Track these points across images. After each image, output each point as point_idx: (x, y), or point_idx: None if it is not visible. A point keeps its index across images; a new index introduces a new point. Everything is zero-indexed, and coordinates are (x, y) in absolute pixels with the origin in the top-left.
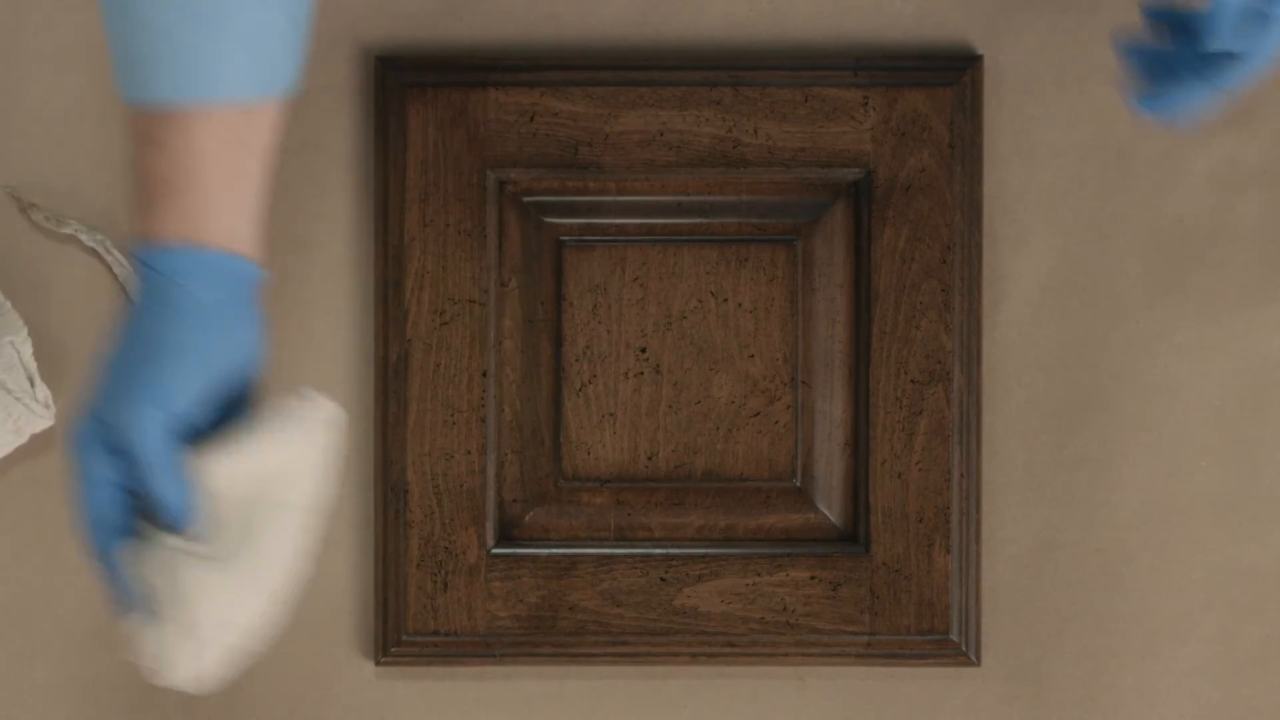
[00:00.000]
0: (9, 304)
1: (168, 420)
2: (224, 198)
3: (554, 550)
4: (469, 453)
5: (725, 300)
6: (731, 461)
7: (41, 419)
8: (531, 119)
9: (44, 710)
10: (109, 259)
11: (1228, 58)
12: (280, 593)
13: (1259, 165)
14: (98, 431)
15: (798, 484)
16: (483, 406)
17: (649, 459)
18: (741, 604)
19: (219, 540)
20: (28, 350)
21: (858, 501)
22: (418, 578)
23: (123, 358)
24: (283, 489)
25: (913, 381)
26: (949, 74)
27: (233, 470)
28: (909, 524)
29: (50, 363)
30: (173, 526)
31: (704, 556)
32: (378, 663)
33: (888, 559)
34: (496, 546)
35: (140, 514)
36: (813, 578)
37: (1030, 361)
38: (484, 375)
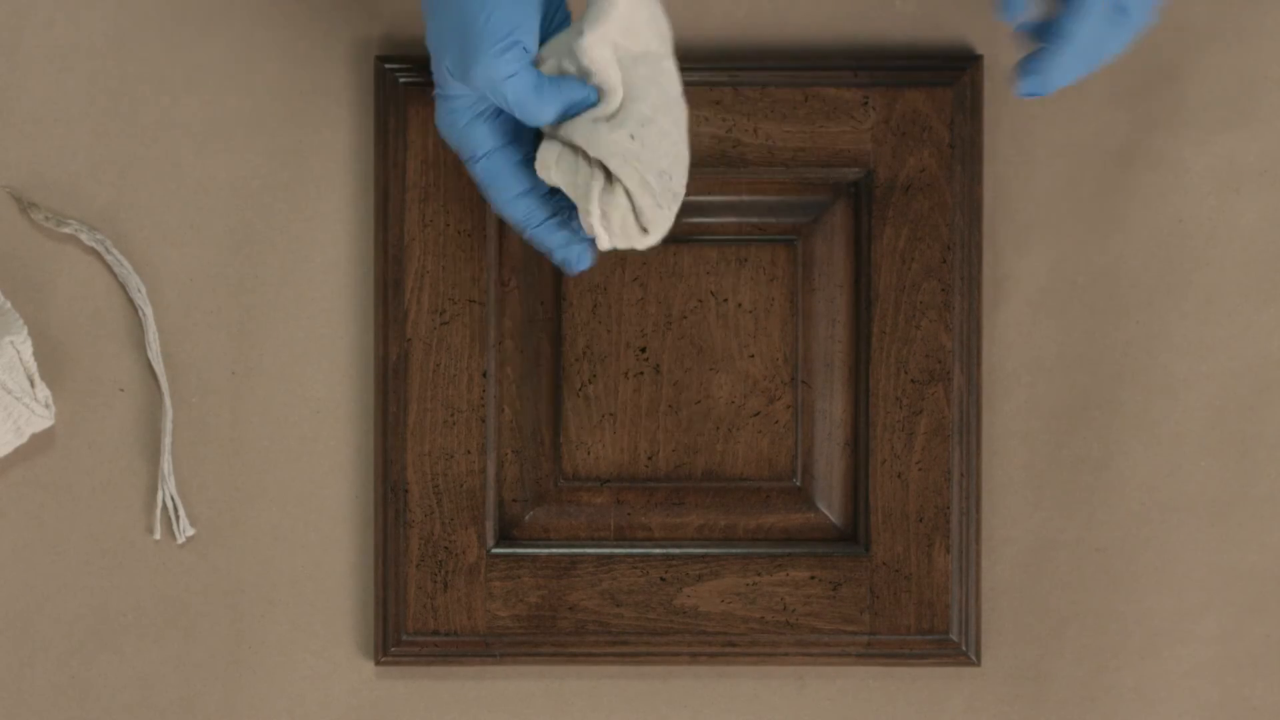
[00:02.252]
0: (9, 304)
1: (525, 61)
2: None
3: (554, 550)
4: (469, 453)
5: (725, 300)
6: (731, 461)
7: (41, 419)
8: None
9: (44, 710)
10: (109, 259)
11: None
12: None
13: (1259, 165)
14: (465, 109)
15: (798, 484)
16: (483, 406)
17: (649, 459)
18: (741, 604)
19: (622, 105)
20: (28, 350)
21: (858, 501)
22: (418, 578)
23: (448, 31)
24: (645, 39)
25: (913, 381)
26: (949, 74)
27: (600, 39)
28: (909, 524)
29: (50, 363)
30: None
31: (704, 556)
32: (378, 663)
33: (888, 559)
34: (496, 546)
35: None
36: (813, 578)
37: (1030, 361)
38: (484, 375)
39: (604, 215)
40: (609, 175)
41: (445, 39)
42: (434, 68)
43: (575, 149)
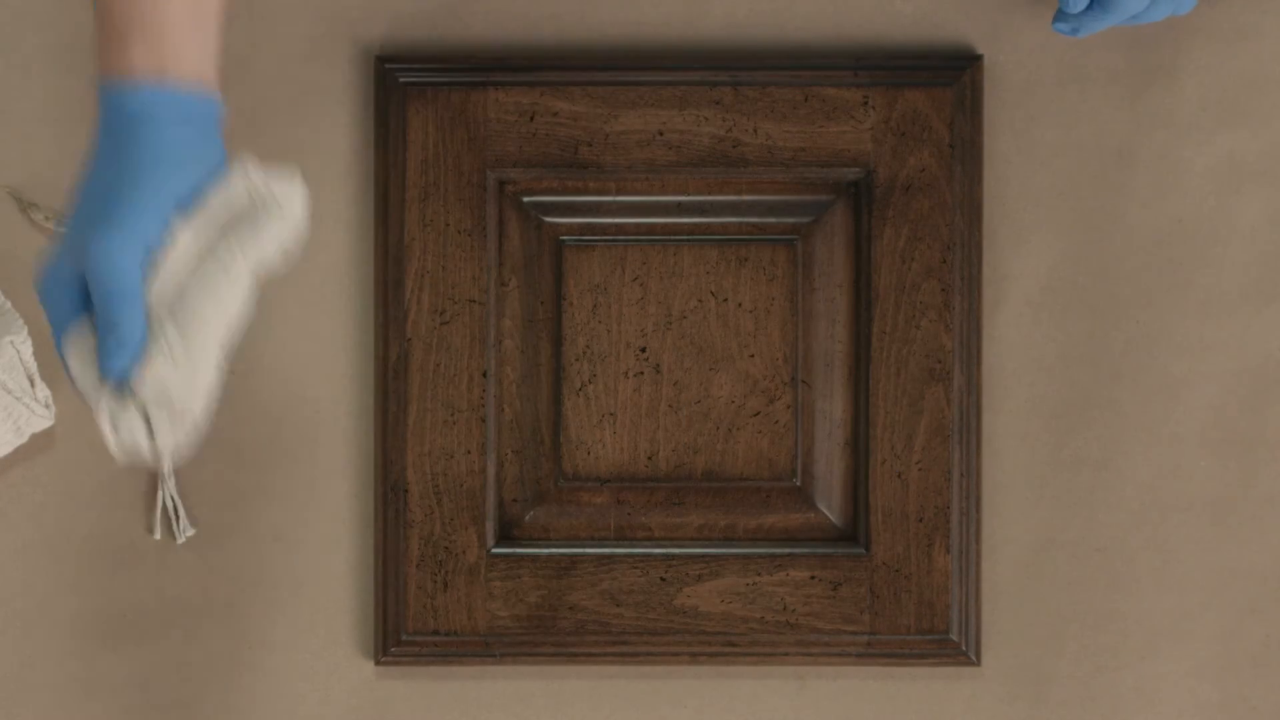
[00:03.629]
0: (9, 304)
1: (138, 253)
2: (188, 31)
3: (554, 550)
4: (469, 453)
5: (725, 300)
6: (731, 461)
7: (41, 419)
8: (531, 119)
9: (44, 710)
10: None
11: None
12: (220, 360)
13: (1259, 165)
14: (65, 264)
15: (798, 484)
16: (483, 406)
17: (649, 459)
18: (741, 604)
19: (162, 339)
20: (28, 350)
21: (858, 501)
22: (418, 578)
23: (91, 196)
24: (225, 256)
25: (913, 381)
26: (949, 74)
27: (179, 250)
28: (909, 524)
29: (50, 363)
30: (119, 347)
31: (704, 556)
32: (378, 663)
33: (888, 559)
34: (496, 546)
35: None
36: (813, 577)
37: (1030, 361)
38: (484, 375)
39: (114, 428)
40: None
41: (93, 194)
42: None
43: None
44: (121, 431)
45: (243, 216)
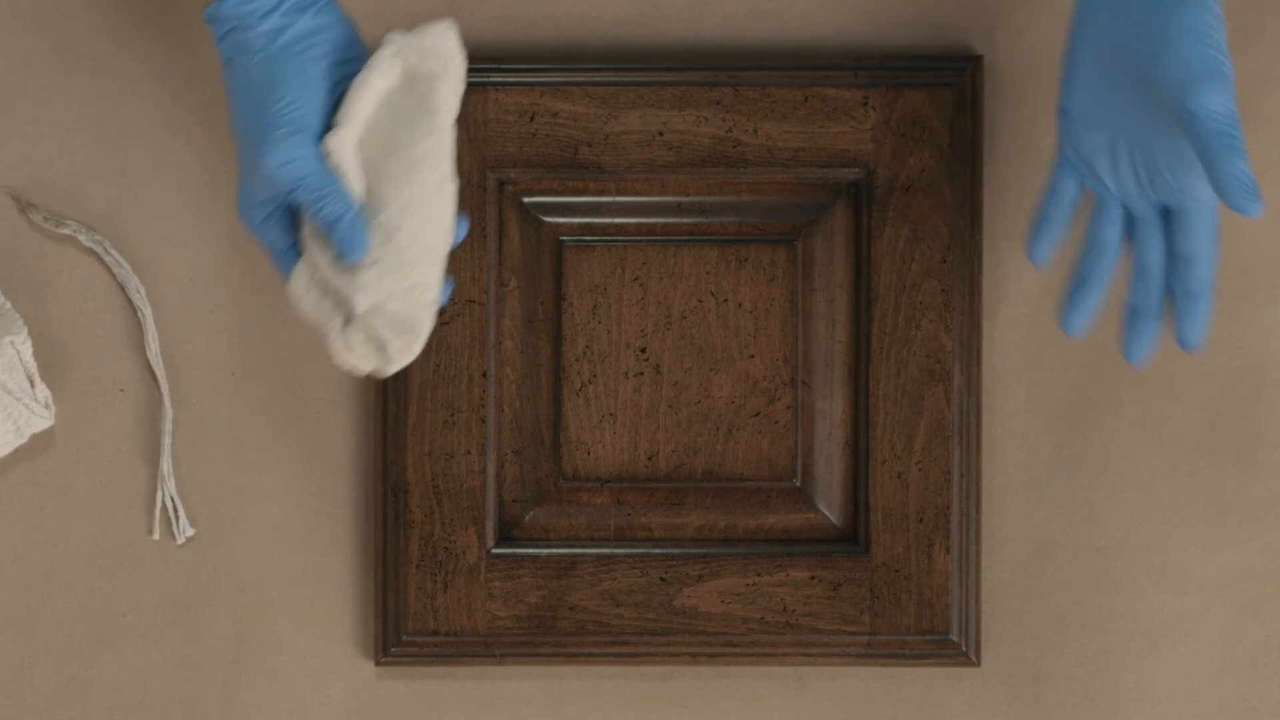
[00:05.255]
0: (9, 304)
1: (310, 144)
2: None
3: (554, 550)
4: (469, 453)
5: (725, 300)
6: (731, 461)
7: (41, 419)
8: (531, 119)
9: (44, 710)
10: (109, 259)
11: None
12: (442, 264)
13: (1259, 165)
14: (258, 196)
15: (798, 484)
16: (483, 406)
17: (649, 459)
18: (741, 604)
19: (373, 254)
20: (28, 350)
21: (858, 501)
22: (418, 578)
23: (244, 119)
24: (400, 125)
25: (913, 381)
26: (949, 74)
27: (350, 136)
28: (909, 524)
29: (50, 363)
30: (351, 237)
31: (704, 556)
32: (378, 663)
33: (888, 559)
34: (496, 546)
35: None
36: (813, 578)
37: (1030, 361)
38: (484, 375)
39: (348, 348)
40: (351, 309)
41: (242, 124)
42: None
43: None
44: (355, 353)
45: (406, 91)
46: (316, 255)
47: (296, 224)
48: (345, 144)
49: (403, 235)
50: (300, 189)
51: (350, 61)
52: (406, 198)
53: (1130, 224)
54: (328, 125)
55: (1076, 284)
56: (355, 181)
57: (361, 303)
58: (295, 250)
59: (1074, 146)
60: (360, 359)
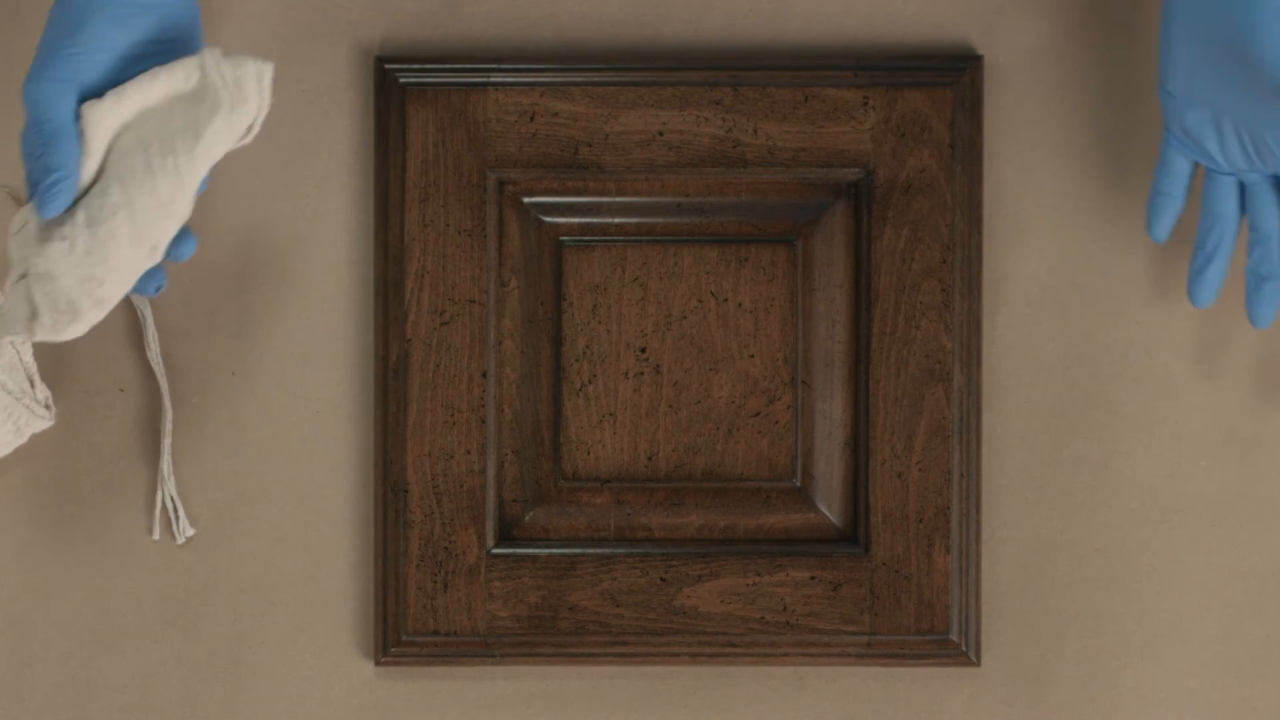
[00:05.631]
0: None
1: (70, 94)
2: None
3: (554, 550)
4: (469, 453)
5: (725, 300)
6: (731, 461)
7: (41, 419)
8: (531, 119)
9: (44, 710)
10: None
11: None
12: (154, 239)
13: None
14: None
15: (798, 484)
16: (483, 406)
17: (649, 459)
18: (741, 604)
19: (86, 196)
20: (28, 350)
21: (858, 501)
22: (418, 578)
23: (39, 50)
24: (157, 149)
25: (913, 381)
26: (949, 74)
27: (112, 112)
28: (909, 524)
29: (50, 363)
30: (54, 188)
31: (704, 556)
32: (378, 663)
33: (888, 559)
34: (496, 546)
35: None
36: (813, 578)
37: (1030, 361)
38: (484, 375)
39: (5, 298)
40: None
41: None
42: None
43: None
44: (9, 304)
45: (191, 104)
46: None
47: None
48: (102, 117)
49: (104, 230)
50: (34, 131)
51: (168, 52)
52: (128, 199)
53: (1244, 192)
54: (100, 93)
55: (1203, 258)
56: (93, 156)
57: (36, 264)
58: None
59: (1180, 125)
60: (12, 313)
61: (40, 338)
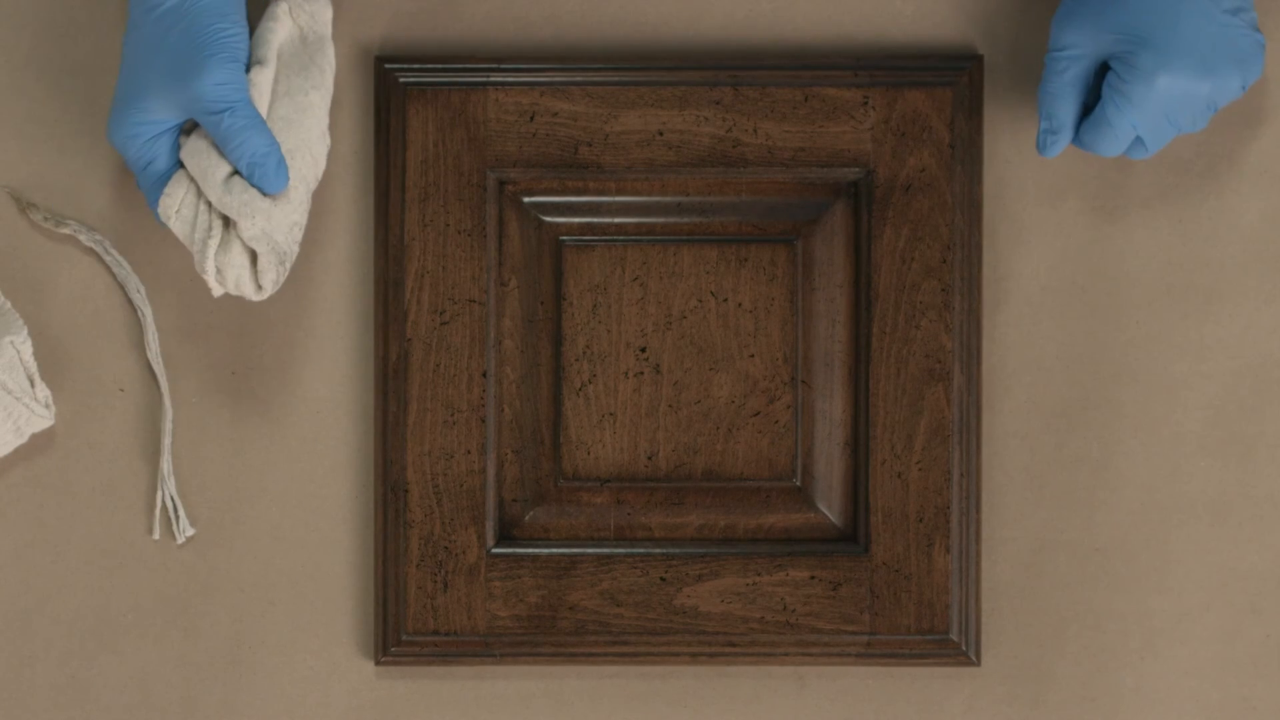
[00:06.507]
0: (9, 304)
1: (240, 73)
2: None
3: (554, 550)
4: (469, 453)
5: (725, 300)
6: (731, 461)
7: (41, 419)
8: (531, 119)
9: (44, 710)
10: (108, 259)
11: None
12: (318, 170)
13: (1259, 165)
14: (154, 117)
15: (798, 484)
16: (483, 406)
17: (649, 459)
18: (741, 604)
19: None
20: (28, 350)
21: (858, 501)
22: (418, 578)
23: (177, 41)
24: (292, 72)
25: (913, 381)
26: (949, 74)
27: (266, 75)
28: (909, 524)
29: (50, 363)
30: (277, 175)
31: (704, 556)
32: (378, 663)
33: (888, 559)
34: (496, 546)
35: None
36: (813, 578)
37: (1030, 361)
38: (484, 375)
39: (219, 272)
40: (227, 227)
41: (170, 47)
42: (126, 82)
43: (201, 194)
44: (228, 274)
45: (299, 44)
46: (207, 171)
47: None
48: (266, 79)
49: (291, 175)
50: (230, 113)
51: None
52: (296, 141)
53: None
54: (246, 57)
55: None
56: (263, 115)
57: (249, 228)
58: (173, 171)
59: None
60: (233, 280)
61: (267, 294)
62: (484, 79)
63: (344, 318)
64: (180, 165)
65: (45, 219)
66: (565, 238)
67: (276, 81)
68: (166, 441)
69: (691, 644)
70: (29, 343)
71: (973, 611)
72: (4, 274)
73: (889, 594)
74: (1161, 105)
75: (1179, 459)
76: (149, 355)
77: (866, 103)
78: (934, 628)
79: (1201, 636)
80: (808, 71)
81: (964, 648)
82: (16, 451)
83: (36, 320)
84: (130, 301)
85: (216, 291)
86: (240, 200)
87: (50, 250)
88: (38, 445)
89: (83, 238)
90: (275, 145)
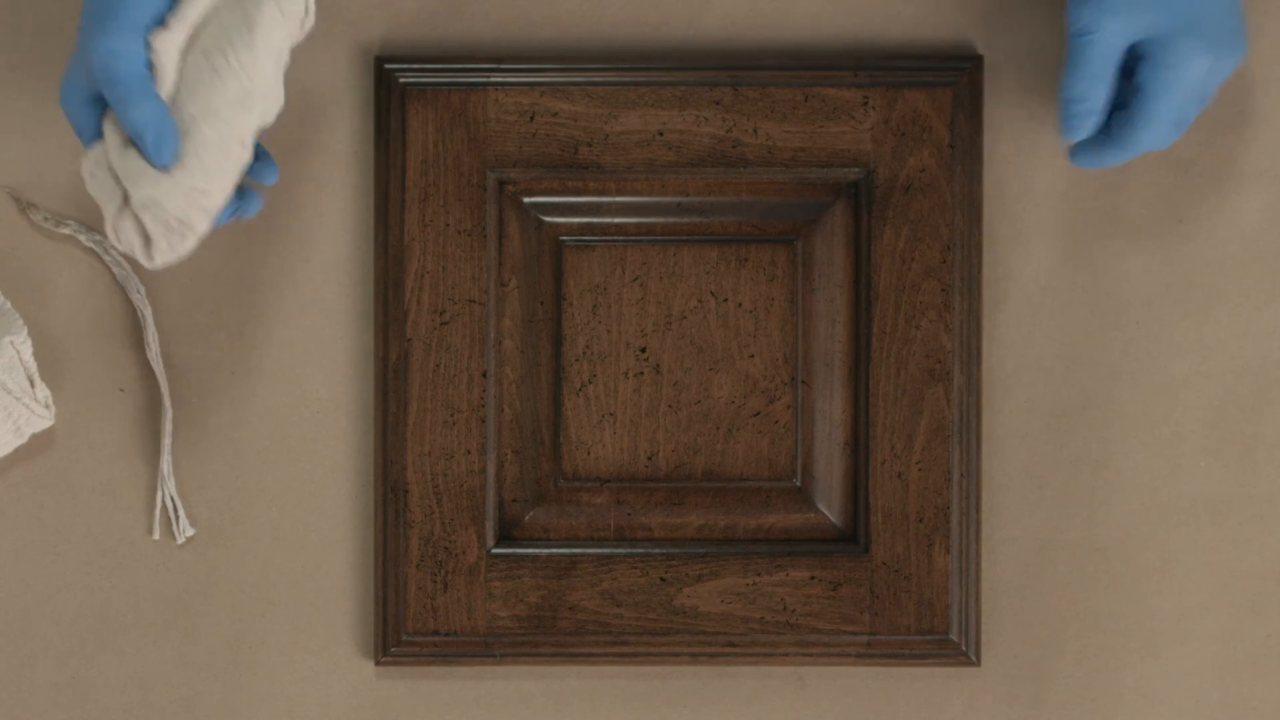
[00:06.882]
0: (9, 304)
1: (137, 42)
2: None
3: (554, 550)
4: (469, 453)
5: (725, 300)
6: (731, 461)
7: (41, 419)
8: (531, 119)
9: (44, 710)
10: (108, 259)
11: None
12: (239, 135)
13: (1259, 165)
14: (79, 76)
15: (798, 484)
16: (483, 406)
17: (649, 459)
18: (741, 604)
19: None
20: (28, 350)
21: (858, 501)
22: (418, 578)
23: (90, 4)
24: (217, 57)
25: (913, 381)
26: (949, 74)
27: (175, 35)
28: (909, 524)
29: (50, 363)
30: (156, 148)
31: (704, 556)
32: (378, 663)
33: (888, 559)
34: (496, 546)
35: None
36: (813, 578)
37: (1030, 361)
38: (484, 375)
39: (116, 233)
40: (128, 196)
41: (86, 10)
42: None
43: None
44: (123, 239)
45: (234, 9)
46: (110, 136)
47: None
48: (170, 44)
49: (193, 140)
50: (113, 84)
51: None
52: (204, 104)
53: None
54: (159, 21)
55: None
56: (166, 81)
57: (136, 194)
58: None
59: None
60: (126, 245)
61: (158, 263)
62: (484, 79)
63: (344, 318)
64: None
65: (45, 219)
66: (565, 238)
67: (200, 42)
68: (166, 441)
69: (691, 644)
70: (29, 343)
71: (973, 611)
72: (4, 274)
73: (889, 594)
74: (1196, 87)
75: (1179, 459)
76: (149, 355)
77: (866, 103)
78: (934, 628)
79: (1201, 636)
80: (808, 71)
81: (964, 648)
82: (16, 451)
83: (36, 320)
84: (130, 301)
85: (122, 248)
86: (129, 168)
87: (50, 250)
88: (38, 445)
89: (83, 238)
90: (160, 116)
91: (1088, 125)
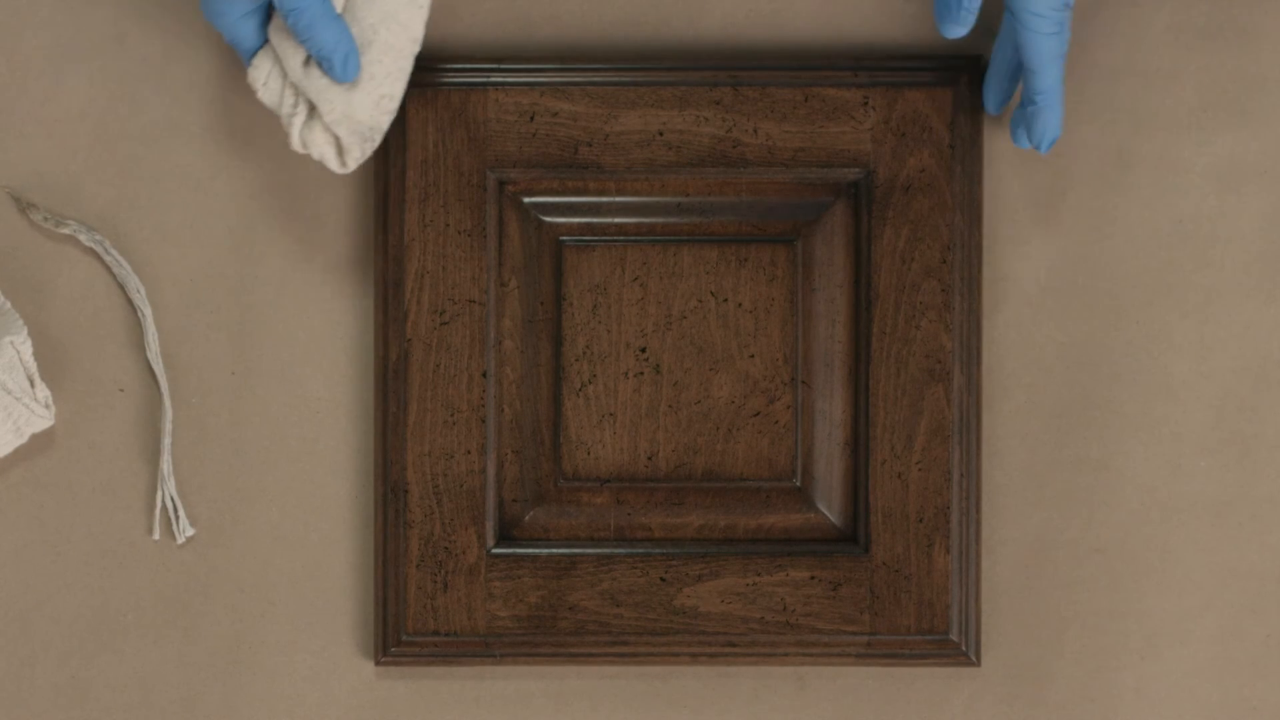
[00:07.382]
0: (9, 304)
1: None
2: None
3: (554, 550)
4: (469, 453)
5: (725, 300)
6: (731, 461)
7: (41, 419)
8: (531, 119)
9: (44, 710)
10: (108, 259)
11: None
12: (403, 76)
13: (1259, 165)
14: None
15: (798, 484)
16: (483, 406)
17: (649, 459)
18: (741, 604)
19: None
20: (28, 350)
21: (858, 501)
22: (418, 578)
23: None
24: None
25: (913, 381)
26: (949, 74)
27: None
28: (909, 524)
29: (50, 363)
30: (344, 68)
31: (704, 556)
32: (378, 663)
33: (888, 559)
34: (496, 546)
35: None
36: (813, 578)
37: (1030, 361)
38: (484, 375)
39: (304, 145)
40: (312, 106)
41: None
42: None
43: (286, 72)
44: (312, 150)
45: None
46: (286, 54)
47: (268, 21)
48: None
49: (375, 48)
50: (298, 9)
51: None
52: (381, 11)
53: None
54: None
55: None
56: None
57: (329, 112)
58: (260, 46)
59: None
60: (317, 154)
61: (351, 169)
62: (484, 79)
63: (344, 318)
64: (268, 40)
65: (45, 219)
66: (565, 238)
67: None
68: (166, 441)
69: (691, 644)
70: (29, 343)
71: (973, 611)
72: (4, 274)
73: (889, 594)
74: (1055, 14)
75: (1179, 459)
76: (149, 355)
77: (866, 103)
78: (934, 628)
79: (1201, 636)
80: (808, 71)
81: (964, 648)
82: (16, 451)
83: (36, 320)
84: (130, 301)
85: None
86: (317, 86)
87: (50, 250)
88: (38, 445)
89: (83, 238)
90: (344, 37)
91: (965, 21)
